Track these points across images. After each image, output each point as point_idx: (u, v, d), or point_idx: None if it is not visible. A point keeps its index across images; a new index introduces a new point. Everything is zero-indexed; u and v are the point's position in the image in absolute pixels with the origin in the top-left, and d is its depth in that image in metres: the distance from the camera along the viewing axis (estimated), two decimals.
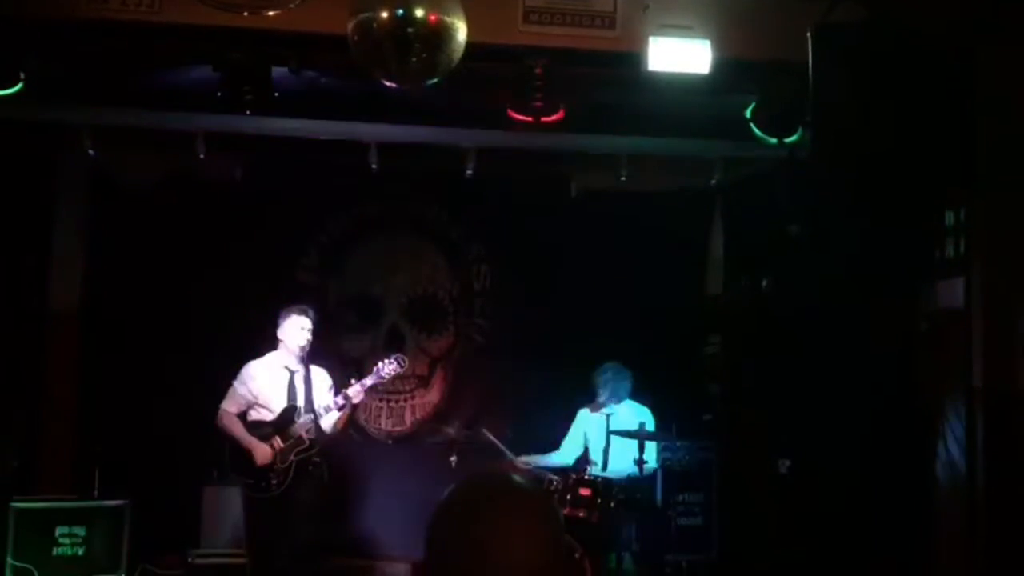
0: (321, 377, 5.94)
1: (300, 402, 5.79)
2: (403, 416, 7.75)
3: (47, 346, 7.25)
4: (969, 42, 4.39)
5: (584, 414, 6.66)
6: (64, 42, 5.07)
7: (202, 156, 6.34)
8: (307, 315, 5.83)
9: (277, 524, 5.68)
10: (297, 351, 5.81)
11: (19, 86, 4.97)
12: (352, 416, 6.15)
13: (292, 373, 5.84)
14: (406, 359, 6.11)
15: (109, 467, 6.76)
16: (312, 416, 5.73)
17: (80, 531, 6.55)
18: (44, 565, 6.40)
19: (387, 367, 5.89)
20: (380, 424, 7.72)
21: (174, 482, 6.90)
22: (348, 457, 7.15)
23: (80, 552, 6.53)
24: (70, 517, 6.55)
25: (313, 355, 5.90)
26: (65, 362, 7.27)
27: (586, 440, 6.58)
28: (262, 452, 5.69)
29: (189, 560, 6.76)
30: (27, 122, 6.13)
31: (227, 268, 7.36)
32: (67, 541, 6.52)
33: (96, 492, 6.68)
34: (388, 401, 7.69)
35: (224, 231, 7.38)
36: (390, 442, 7.70)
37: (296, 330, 5.81)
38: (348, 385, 5.85)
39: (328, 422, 5.78)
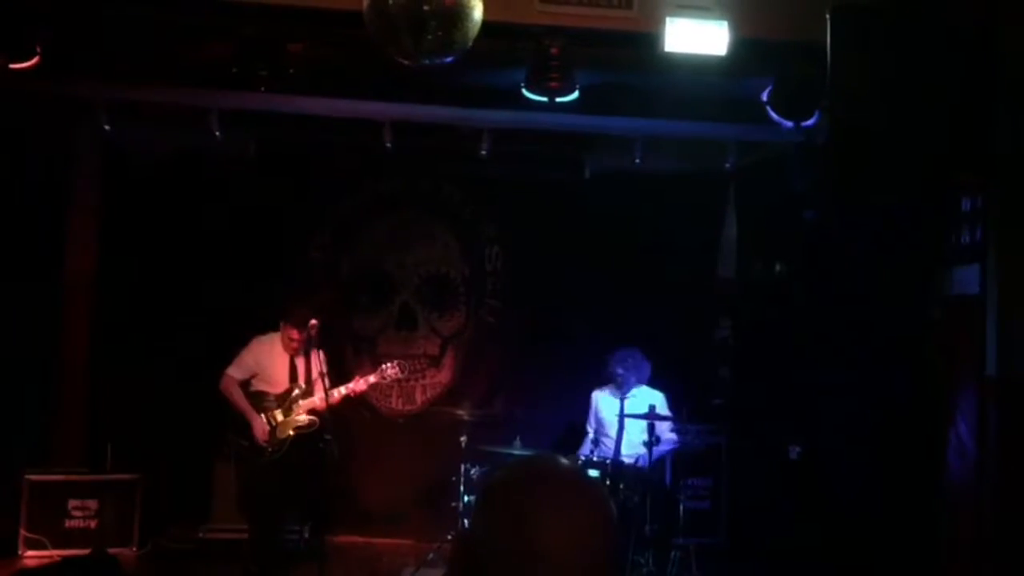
0: (321, 359, 5.95)
1: (302, 381, 5.95)
2: (414, 395, 7.77)
3: (61, 321, 7.29)
4: (989, 25, 4.34)
5: (598, 396, 6.67)
6: (80, 16, 5.06)
7: (217, 133, 6.33)
8: (301, 327, 5.93)
9: (272, 486, 5.91)
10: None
11: (35, 60, 4.98)
12: (354, 398, 6.31)
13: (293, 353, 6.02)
14: (407, 365, 6.55)
15: (121, 441, 6.82)
16: (312, 396, 5.90)
17: (92, 504, 6.61)
18: (56, 537, 6.47)
19: (390, 370, 6.25)
20: (391, 403, 7.74)
21: (185, 457, 6.97)
22: (359, 435, 7.18)
23: (92, 525, 6.59)
24: (82, 490, 6.62)
25: (324, 332, 5.93)
26: (78, 337, 7.31)
27: (599, 422, 6.59)
28: (259, 426, 5.89)
29: (200, 534, 6.84)
30: (43, 96, 6.13)
31: (240, 245, 7.38)
32: (79, 514, 6.59)
33: (108, 466, 6.75)
34: (399, 380, 7.70)
35: (237, 208, 7.39)
36: (401, 421, 7.72)
37: (287, 340, 6.02)
38: (351, 377, 6.13)
39: (323, 403, 5.85)
